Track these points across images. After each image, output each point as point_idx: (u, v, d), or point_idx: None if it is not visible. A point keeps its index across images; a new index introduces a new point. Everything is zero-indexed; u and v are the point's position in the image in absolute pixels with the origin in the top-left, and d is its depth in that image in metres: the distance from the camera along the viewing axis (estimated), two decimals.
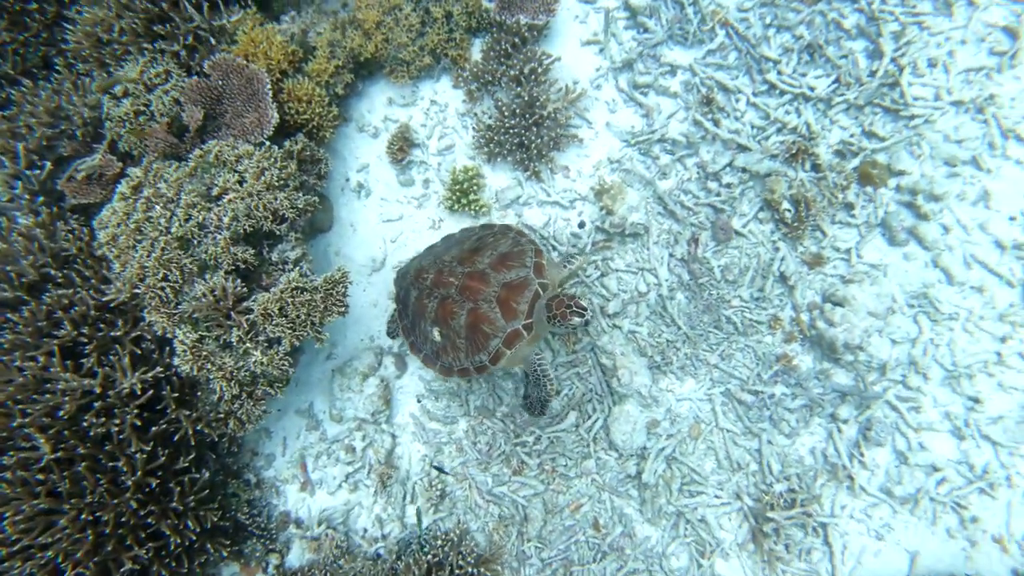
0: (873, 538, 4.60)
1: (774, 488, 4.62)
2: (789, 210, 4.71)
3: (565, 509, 4.76)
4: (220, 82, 4.59)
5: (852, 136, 4.79)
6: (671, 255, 4.91)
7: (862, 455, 4.61)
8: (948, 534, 4.55)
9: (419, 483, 4.88)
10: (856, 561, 4.57)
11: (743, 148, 4.85)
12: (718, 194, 4.86)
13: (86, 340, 4.04)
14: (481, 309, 3.83)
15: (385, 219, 5.23)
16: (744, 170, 4.84)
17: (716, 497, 4.71)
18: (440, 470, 4.83)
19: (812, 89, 4.79)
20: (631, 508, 4.76)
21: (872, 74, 4.74)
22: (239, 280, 4.01)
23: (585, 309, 3.70)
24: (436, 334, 4.03)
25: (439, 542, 4.48)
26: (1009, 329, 4.59)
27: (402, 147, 5.11)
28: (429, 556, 4.41)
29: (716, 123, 4.91)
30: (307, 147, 4.66)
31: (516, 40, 4.88)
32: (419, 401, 5.05)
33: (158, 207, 4.11)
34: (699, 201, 4.90)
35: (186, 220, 4.03)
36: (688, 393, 4.83)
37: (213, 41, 4.80)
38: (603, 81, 5.11)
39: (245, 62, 4.59)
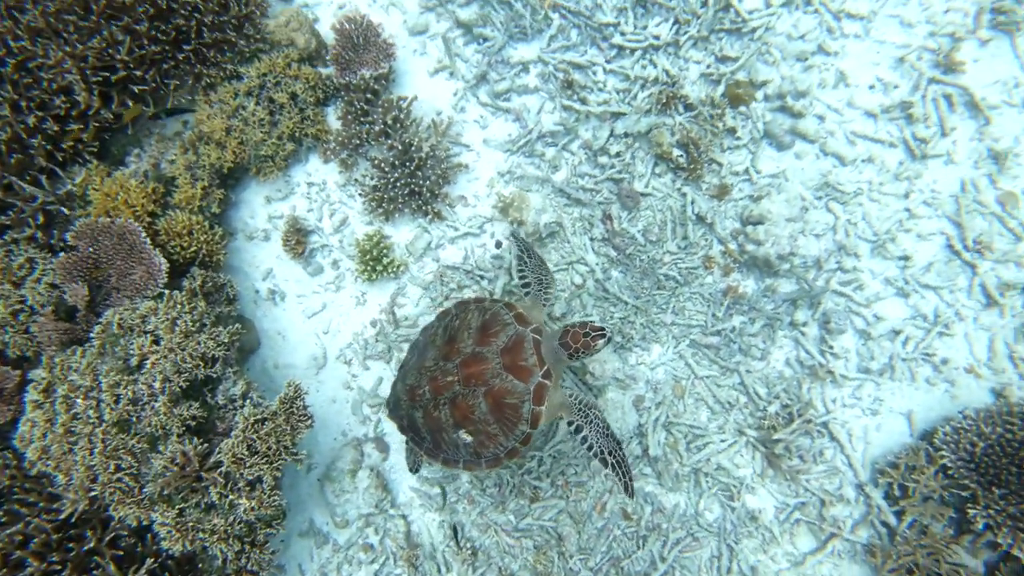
0: (870, 416, 4.97)
1: (769, 411, 4.92)
2: (681, 155, 5.00)
3: (592, 513, 4.93)
4: (91, 249, 4.48)
5: (709, 67, 5.11)
6: (592, 239, 5.13)
7: (831, 347, 4.97)
8: (928, 383, 4.96)
9: (447, 549, 4.94)
10: (864, 442, 4.93)
11: (617, 115, 5.10)
12: (612, 166, 5.10)
13: (60, 566, 3.90)
14: (495, 387, 3.69)
15: (310, 315, 5.24)
16: (626, 134, 5.10)
17: (722, 441, 4.98)
18: (454, 534, 4.91)
19: (657, 37, 5.09)
20: (651, 485, 4.98)
21: (704, 4, 5.06)
22: (195, 438, 3.97)
23: (603, 328, 3.67)
24: (464, 436, 3.85)
25: None
26: (907, 184, 5.03)
27: (298, 240, 5.12)
28: None
29: (584, 101, 5.14)
30: (206, 278, 4.62)
31: (368, 95, 4.96)
32: (414, 473, 5.10)
33: (80, 400, 4.00)
34: (597, 179, 5.13)
35: (116, 402, 3.94)
36: (658, 359, 5.08)
37: (66, 211, 4.69)
38: (464, 103, 5.26)
39: (109, 219, 4.49)
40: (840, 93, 5.09)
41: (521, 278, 4.31)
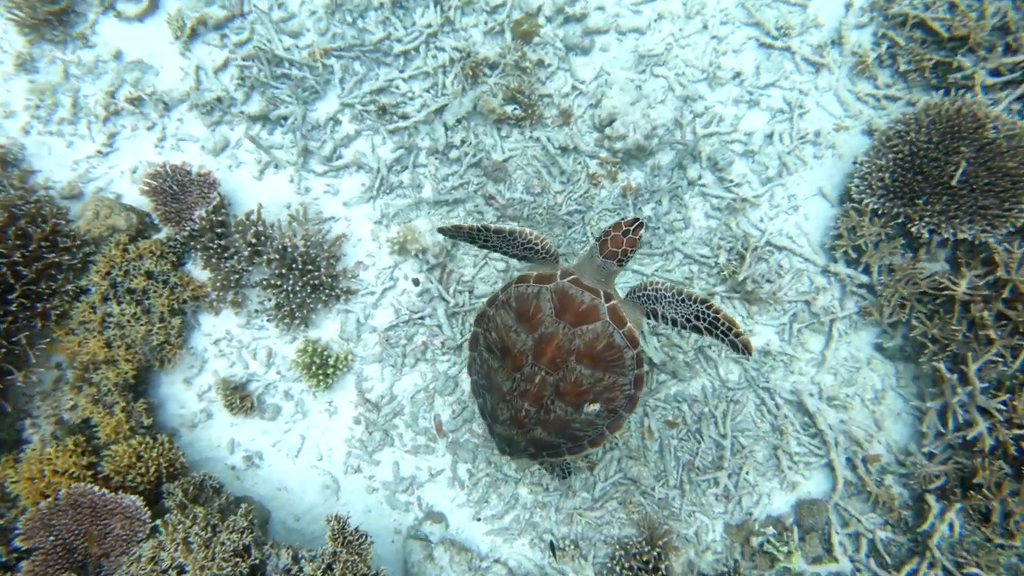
0: (794, 213, 5.44)
1: (720, 262, 5.29)
2: (515, 108, 5.24)
3: (644, 442, 5.14)
4: (52, 537, 4.18)
5: (486, 23, 5.37)
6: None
7: (731, 181, 5.39)
8: (817, 158, 5.48)
9: (551, 559, 5.01)
10: (803, 235, 5.40)
11: (440, 109, 5.26)
12: (465, 154, 5.27)
13: None
14: (581, 347, 3.57)
15: (295, 455, 5.12)
16: (459, 120, 5.27)
17: None
18: (552, 550, 4.99)
19: (429, 25, 5.28)
20: (674, 386, 5.25)
21: None
22: None
23: (636, 218, 3.56)
24: (590, 408, 3.72)
25: (619, 562, 4.70)
26: (700, 18, 5.51)
27: (240, 397, 4.97)
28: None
29: (404, 116, 5.27)
30: (184, 485, 4.40)
31: (217, 231, 4.86)
32: (479, 520, 5.12)
33: None
34: (460, 173, 5.29)
35: None
36: None
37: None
38: (305, 183, 5.26)
39: (49, 500, 4.20)
40: None
41: (522, 257, 4.03)
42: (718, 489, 5.09)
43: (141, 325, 4.70)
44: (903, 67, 5.36)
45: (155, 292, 4.76)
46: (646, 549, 4.72)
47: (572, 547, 4.98)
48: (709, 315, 3.63)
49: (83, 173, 5.23)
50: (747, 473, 5.09)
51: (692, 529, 5.06)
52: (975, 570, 4.56)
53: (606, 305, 3.58)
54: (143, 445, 4.48)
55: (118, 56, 5.31)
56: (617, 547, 4.87)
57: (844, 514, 5.00)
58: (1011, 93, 5.05)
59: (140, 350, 4.73)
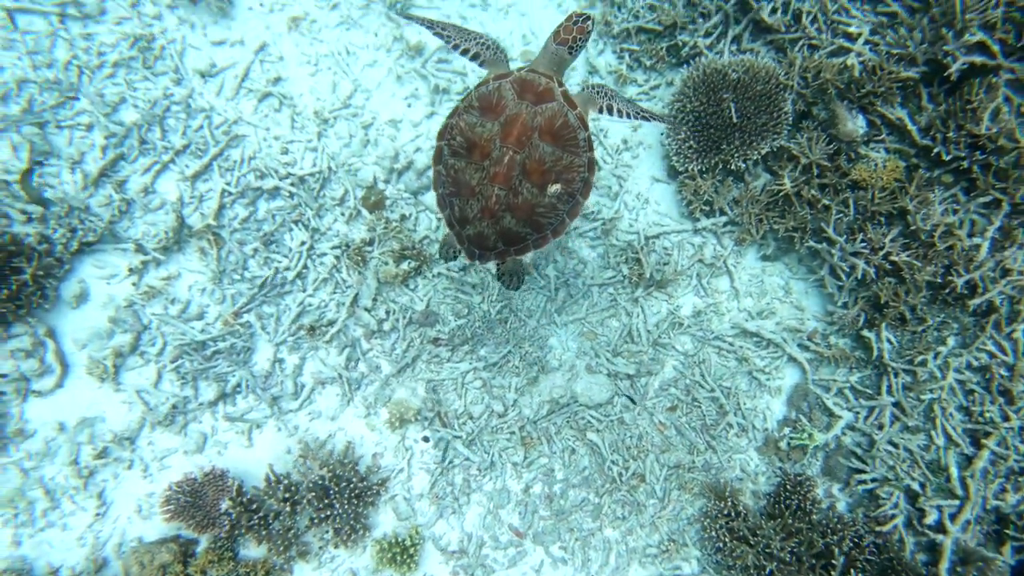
0: (647, 205, 6.77)
1: (625, 273, 6.50)
2: (409, 263, 6.18)
3: (663, 435, 6.20)
4: None
5: (342, 214, 6.29)
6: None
7: (593, 212, 6.64)
8: (635, 159, 6.89)
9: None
10: (664, 216, 6.75)
11: (355, 299, 6.11)
12: (396, 320, 6.14)
13: None
14: (543, 123, 3.85)
15: None
16: (373, 299, 6.15)
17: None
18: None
19: (303, 243, 6.12)
20: (656, 380, 6.36)
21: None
22: None
23: (583, 12, 4.00)
24: (552, 188, 3.94)
25: (710, 528, 5.70)
26: None
27: None
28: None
29: (331, 323, 6.06)
30: None
31: (252, 508, 5.37)
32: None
33: None
34: (401, 336, 6.16)
35: None
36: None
37: None
38: (290, 423, 5.90)
39: None
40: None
41: (463, 52, 4.33)
42: (734, 429, 6.25)
43: None
44: (649, 63, 6.90)
45: None
46: (720, 505, 5.78)
47: (671, 543, 5.92)
48: (645, 115, 4.32)
49: (94, 542, 5.52)
50: (744, 404, 6.31)
51: (737, 470, 6.19)
52: (921, 356, 6.02)
53: (560, 90, 3.94)
54: None
55: (62, 428, 5.67)
56: (701, 518, 5.88)
57: (823, 383, 6.35)
58: (725, 42, 6.71)
59: None
